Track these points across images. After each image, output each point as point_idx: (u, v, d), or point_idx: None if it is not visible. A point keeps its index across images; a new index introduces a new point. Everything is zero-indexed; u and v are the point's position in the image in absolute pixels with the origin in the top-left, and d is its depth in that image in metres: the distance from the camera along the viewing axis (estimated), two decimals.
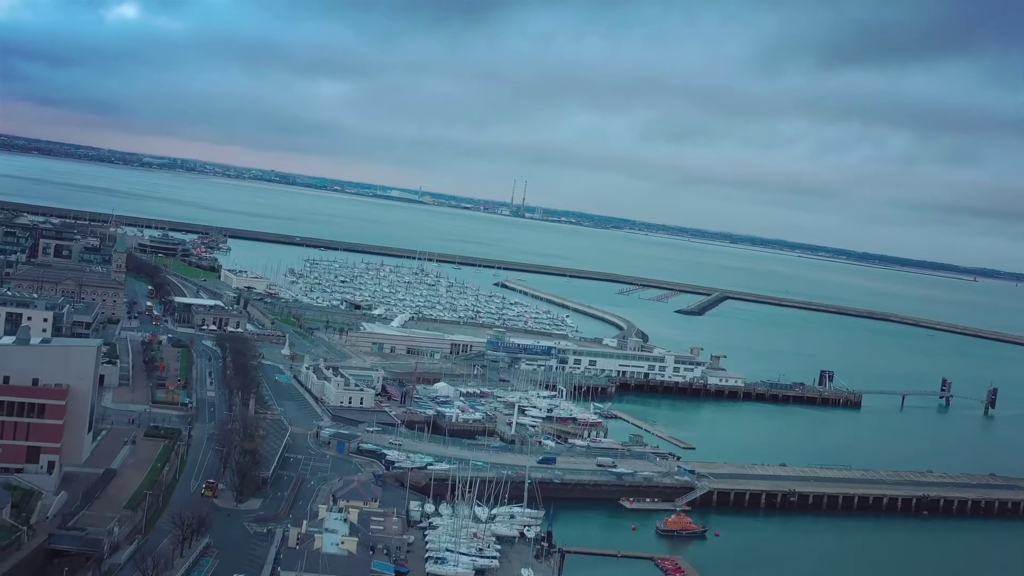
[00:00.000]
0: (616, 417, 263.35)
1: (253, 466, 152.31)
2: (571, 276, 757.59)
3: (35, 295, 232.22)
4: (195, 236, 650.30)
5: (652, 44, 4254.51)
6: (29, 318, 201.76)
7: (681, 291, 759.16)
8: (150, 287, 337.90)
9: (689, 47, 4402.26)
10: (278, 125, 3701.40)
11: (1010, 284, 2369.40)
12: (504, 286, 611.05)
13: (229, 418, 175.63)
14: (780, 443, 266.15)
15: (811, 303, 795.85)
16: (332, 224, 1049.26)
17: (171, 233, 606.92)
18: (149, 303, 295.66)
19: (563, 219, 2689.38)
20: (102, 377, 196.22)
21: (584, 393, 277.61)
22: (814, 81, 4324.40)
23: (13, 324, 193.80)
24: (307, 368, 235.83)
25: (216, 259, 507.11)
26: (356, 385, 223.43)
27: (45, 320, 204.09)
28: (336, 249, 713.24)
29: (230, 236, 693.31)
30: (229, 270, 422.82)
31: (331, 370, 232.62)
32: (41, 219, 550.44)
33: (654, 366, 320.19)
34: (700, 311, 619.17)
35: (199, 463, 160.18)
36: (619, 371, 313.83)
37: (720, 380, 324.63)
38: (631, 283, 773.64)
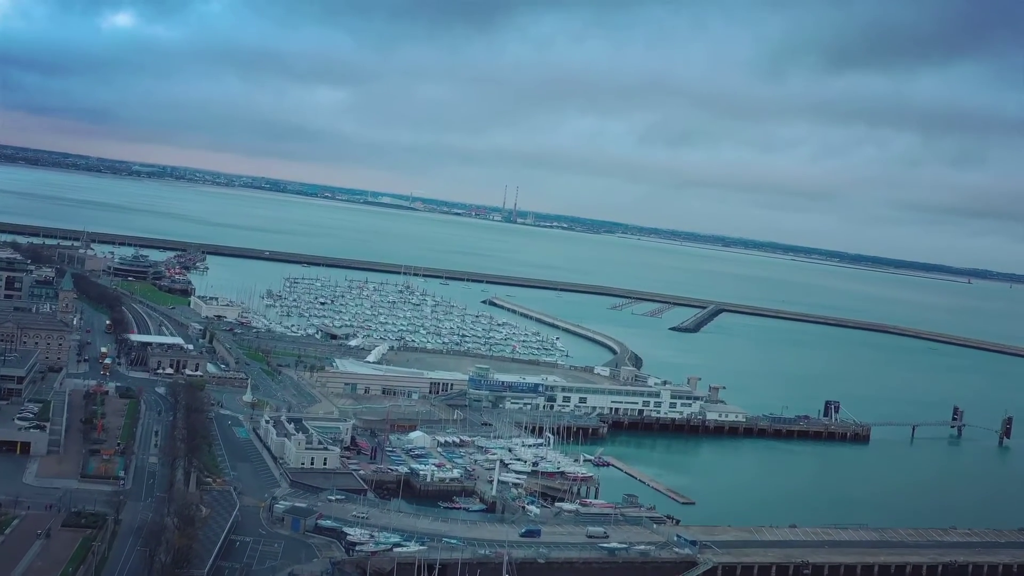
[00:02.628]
0: (608, 465, 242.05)
1: (186, 564, 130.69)
2: (562, 290, 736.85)
3: None
4: (172, 253, 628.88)
5: (656, 47, 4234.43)
6: None
7: (675, 304, 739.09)
8: (108, 322, 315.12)
9: (694, 49, 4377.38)
10: (272, 132, 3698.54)
11: (1004, 285, 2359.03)
12: (492, 303, 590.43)
13: (164, 499, 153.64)
14: (787, 491, 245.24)
15: (808, 315, 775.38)
16: (319, 236, 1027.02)
17: (146, 252, 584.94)
18: (104, 348, 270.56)
19: (555, 224, 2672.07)
20: (28, 445, 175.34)
21: (574, 435, 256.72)
22: (819, 84, 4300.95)
23: None
24: (267, 421, 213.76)
25: (189, 282, 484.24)
26: (320, 443, 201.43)
27: None
28: (319, 265, 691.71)
29: (209, 253, 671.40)
30: (199, 296, 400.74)
31: (293, 424, 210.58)
32: (8, 238, 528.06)
33: (649, 402, 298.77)
34: (695, 328, 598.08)
35: (123, 560, 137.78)
36: (611, 408, 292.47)
37: (719, 415, 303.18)
38: (624, 296, 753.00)
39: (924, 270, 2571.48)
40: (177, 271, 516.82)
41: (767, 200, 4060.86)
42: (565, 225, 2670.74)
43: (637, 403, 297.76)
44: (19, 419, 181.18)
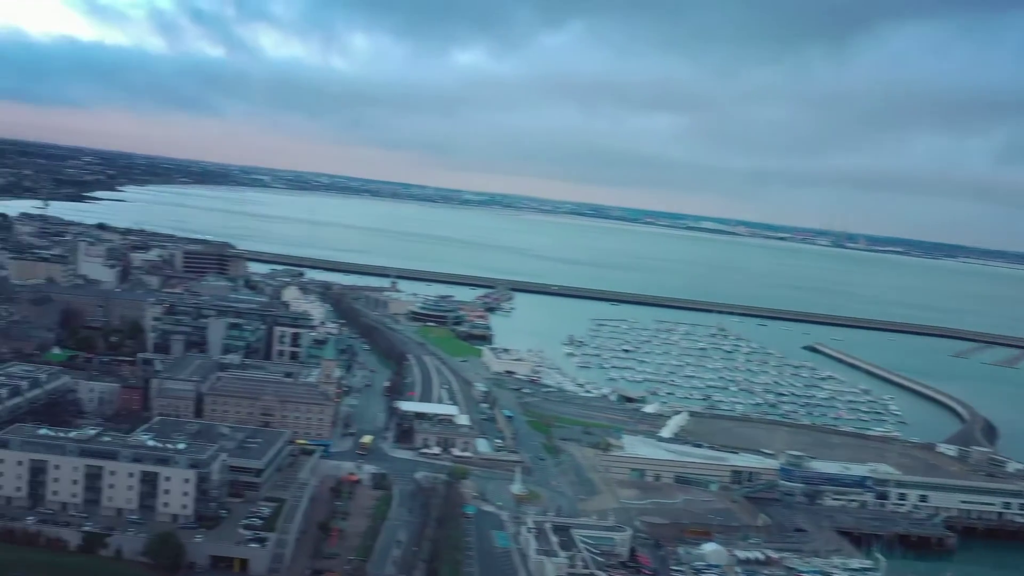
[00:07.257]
0: None
1: None
2: (895, 331, 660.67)
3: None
4: (480, 292, 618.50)
5: None
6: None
7: None
8: (386, 383, 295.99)
9: None
10: (600, 159, 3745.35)
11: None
12: (815, 350, 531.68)
13: None
14: None
15: None
16: (635, 270, 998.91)
17: (452, 291, 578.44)
18: (364, 439, 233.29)
19: (889, 248, 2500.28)
20: (247, 562, 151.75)
21: (912, 546, 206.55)
22: None
23: None
24: (529, 529, 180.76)
25: (489, 327, 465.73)
26: (585, 565, 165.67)
27: None
28: (628, 303, 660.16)
29: (517, 290, 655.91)
30: (491, 349, 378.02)
31: (558, 535, 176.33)
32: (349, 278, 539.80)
33: (1011, 503, 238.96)
34: None
35: None
36: (961, 510, 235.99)
37: None
38: (970, 339, 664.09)
39: None
40: (479, 314, 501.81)
41: None
42: (900, 249, 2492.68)
43: (995, 504, 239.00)
44: (243, 527, 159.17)
